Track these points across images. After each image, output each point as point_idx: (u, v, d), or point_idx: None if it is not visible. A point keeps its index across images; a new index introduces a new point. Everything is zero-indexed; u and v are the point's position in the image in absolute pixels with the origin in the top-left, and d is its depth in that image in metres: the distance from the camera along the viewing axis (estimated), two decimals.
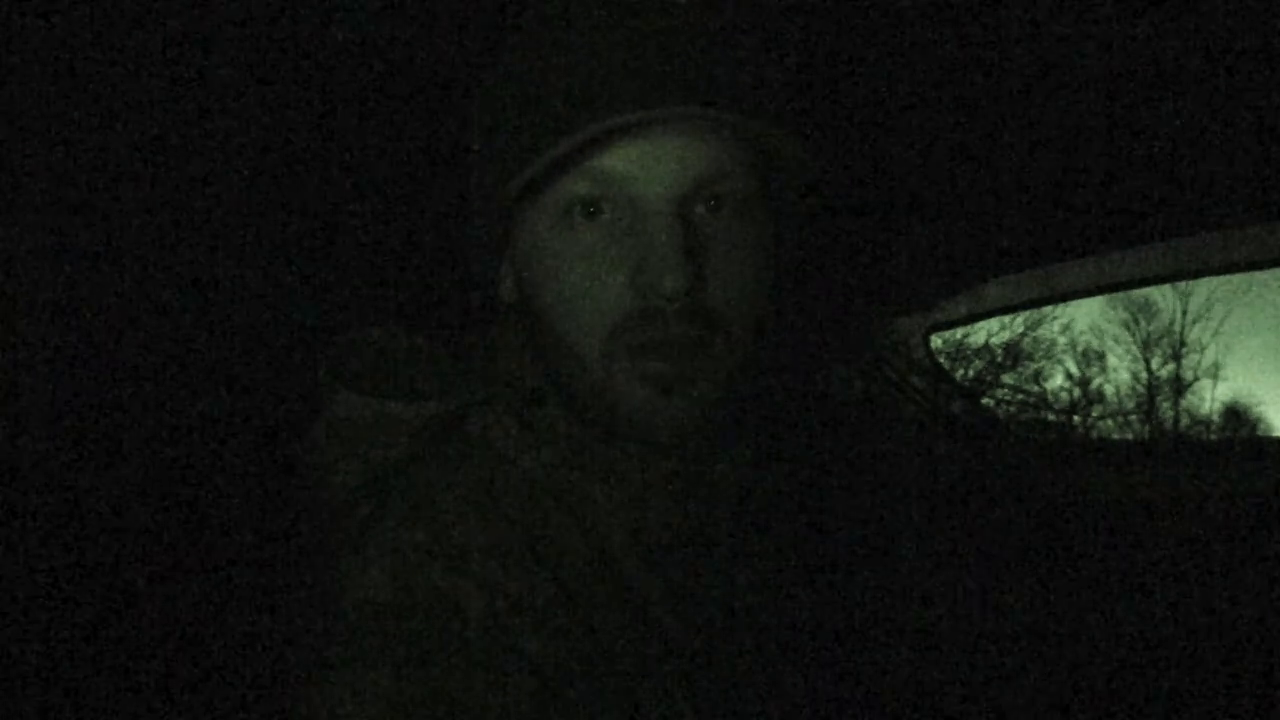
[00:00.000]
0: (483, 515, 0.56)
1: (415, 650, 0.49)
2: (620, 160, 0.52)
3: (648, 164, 0.52)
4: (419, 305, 1.45)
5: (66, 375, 1.18)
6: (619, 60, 0.51)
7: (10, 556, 1.13)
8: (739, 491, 0.63)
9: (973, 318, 2.35)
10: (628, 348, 0.54)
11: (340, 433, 0.61)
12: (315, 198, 1.42)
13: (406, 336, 0.67)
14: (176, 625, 1.23)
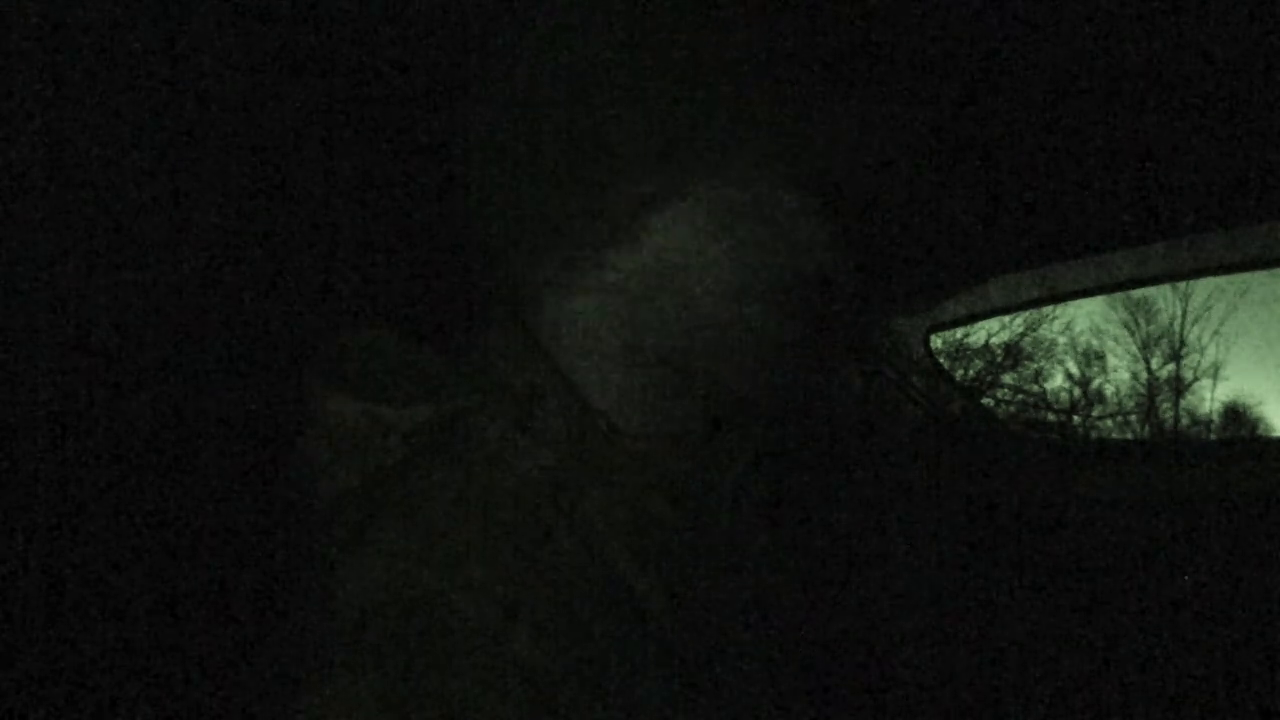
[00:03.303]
0: (477, 519, 0.56)
1: (409, 653, 0.48)
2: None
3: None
4: (412, 307, 1.44)
5: (62, 377, 1.18)
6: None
7: (9, 557, 1.12)
8: (737, 492, 0.63)
9: (973, 318, 2.36)
10: None
11: (334, 437, 0.61)
12: (308, 199, 1.42)
13: (398, 340, 0.67)
14: (173, 628, 1.23)
